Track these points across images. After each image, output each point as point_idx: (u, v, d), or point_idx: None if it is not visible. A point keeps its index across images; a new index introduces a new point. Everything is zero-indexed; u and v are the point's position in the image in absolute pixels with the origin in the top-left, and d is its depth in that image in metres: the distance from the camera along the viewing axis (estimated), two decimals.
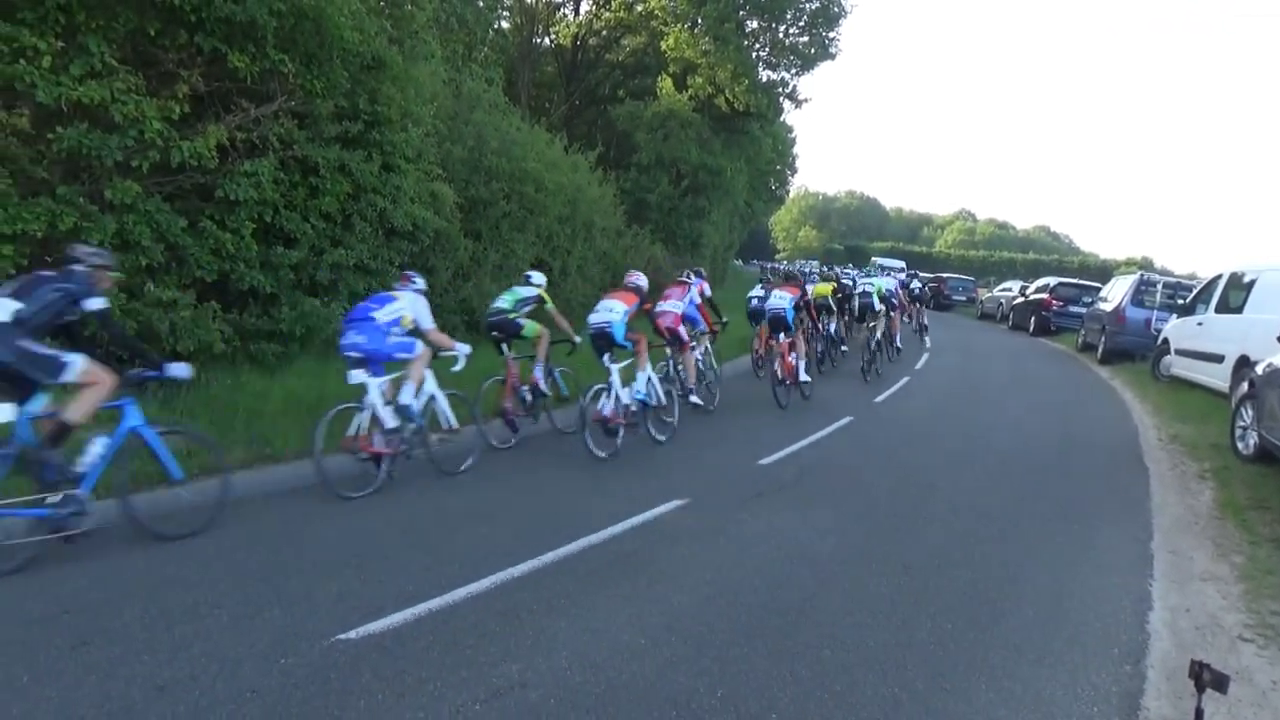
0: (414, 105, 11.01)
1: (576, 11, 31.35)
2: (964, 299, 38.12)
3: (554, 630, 4.15)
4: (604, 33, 31.48)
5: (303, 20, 8.71)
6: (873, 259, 53.54)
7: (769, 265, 54.52)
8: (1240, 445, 8.73)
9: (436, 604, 4.37)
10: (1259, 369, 8.60)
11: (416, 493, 6.51)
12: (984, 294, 37.27)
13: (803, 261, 59.61)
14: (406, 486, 6.63)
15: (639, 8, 29.01)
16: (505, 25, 28.56)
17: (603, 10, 30.48)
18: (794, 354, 11.15)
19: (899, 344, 17.04)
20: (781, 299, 11.21)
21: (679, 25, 26.90)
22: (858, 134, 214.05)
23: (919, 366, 16.35)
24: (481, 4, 21.46)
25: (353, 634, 3.98)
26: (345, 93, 9.64)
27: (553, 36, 31.48)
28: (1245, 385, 8.96)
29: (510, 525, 5.78)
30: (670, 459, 8.05)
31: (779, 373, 10.92)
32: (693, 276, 10.53)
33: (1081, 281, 27.39)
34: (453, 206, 12.44)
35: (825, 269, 32.38)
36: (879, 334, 14.72)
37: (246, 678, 3.54)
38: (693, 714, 3.45)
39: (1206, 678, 2.21)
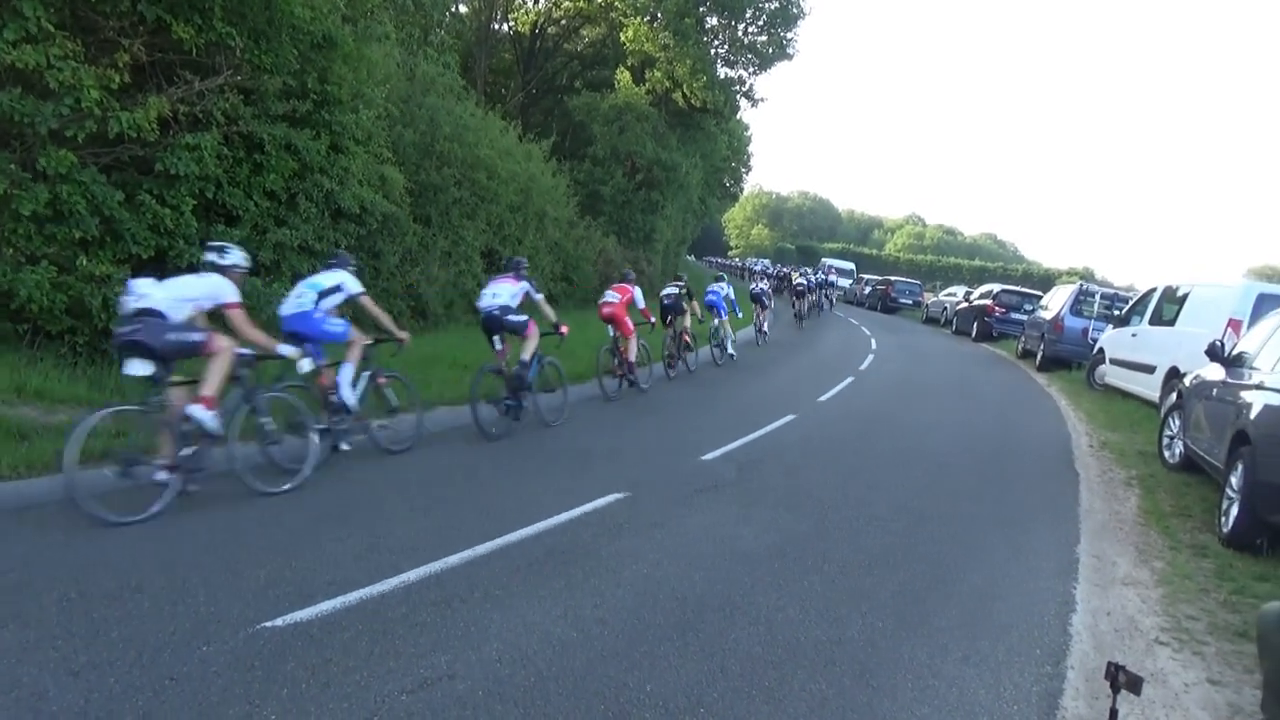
0: (365, 86, 10.84)
1: None
2: (910, 303, 38.61)
3: (486, 622, 4.12)
4: (563, 22, 31.34)
5: None
6: (822, 260, 54.43)
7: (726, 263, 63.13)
8: (1167, 454, 9.00)
9: (368, 593, 4.30)
10: (1187, 380, 8.86)
11: (354, 482, 6.42)
12: (930, 298, 37.83)
13: (754, 259, 62.67)
14: (342, 475, 6.54)
15: None
16: (463, 9, 28.30)
17: None
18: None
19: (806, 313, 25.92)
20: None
21: (639, 18, 26.89)
22: (812, 135, 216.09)
23: (863, 367, 16.57)
24: None
25: (279, 621, 3.90)
26: (294, 70, 9.43)
27: (511, 23, 31.24)
28: (1174, 396, 9.23)
29: (447, 515, 5.72)
30: (612, 452, 8.05)
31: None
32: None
33: (1024, 289, 28.05)
34: (402, 190, 12.30)
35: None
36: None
37: (165, 664, 3.45)
38: (620, 708, 3.45)
39: (1122, 679, 2.27)
